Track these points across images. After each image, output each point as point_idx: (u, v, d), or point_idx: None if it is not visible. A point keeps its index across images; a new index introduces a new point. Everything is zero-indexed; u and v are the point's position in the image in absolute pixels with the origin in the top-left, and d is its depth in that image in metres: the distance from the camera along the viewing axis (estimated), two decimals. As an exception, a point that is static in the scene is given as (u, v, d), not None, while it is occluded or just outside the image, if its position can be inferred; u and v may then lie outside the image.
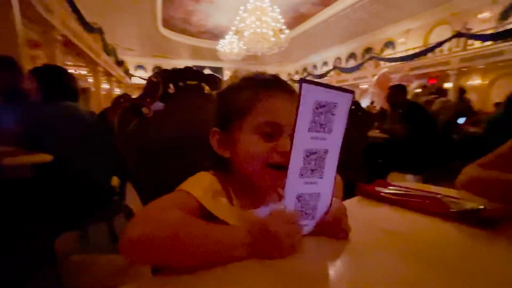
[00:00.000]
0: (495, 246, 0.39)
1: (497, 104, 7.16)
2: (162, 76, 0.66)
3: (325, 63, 17.97)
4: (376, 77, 3.02)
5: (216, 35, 13.52)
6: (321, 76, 16.60)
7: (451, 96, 7.00)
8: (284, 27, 10.36)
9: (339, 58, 16.75)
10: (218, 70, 20.20)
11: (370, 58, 12.73)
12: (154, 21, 11.75)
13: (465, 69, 9.28)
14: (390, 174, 2.37)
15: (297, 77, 20.17)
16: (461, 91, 4.41)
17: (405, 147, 2.33)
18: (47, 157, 0.98)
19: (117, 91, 11.88)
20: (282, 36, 10.54)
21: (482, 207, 0.46)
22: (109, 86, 11.04)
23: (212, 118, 0.48)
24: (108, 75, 10.68)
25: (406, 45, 11.76)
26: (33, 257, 0.96)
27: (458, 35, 8.75)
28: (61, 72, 1.33)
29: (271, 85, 0.45)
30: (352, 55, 15.68)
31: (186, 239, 0.31)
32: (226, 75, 20.55)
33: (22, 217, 0.96)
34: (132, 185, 0.64)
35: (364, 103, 13.39)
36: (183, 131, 0.67)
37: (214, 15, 12.17)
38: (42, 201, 1.02)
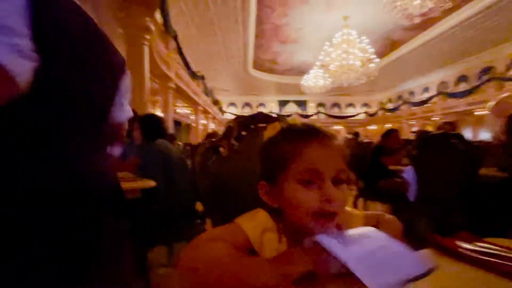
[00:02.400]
0: None
1: None
2: (237, 121, 0.80)
3: (425, 89, 15.88)
4: (491, 103, 2.46)
5: (301, 71, 14.15)
6: (421, 103, 14.65)
7: None
8: (373, 56, 9.93)
9: (444, 82, 14.53)
10: (302, 102, 20.73)
11: (489, 80, 10.46)
12: (245, 65, 13.40)
13: None
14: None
15: (390, 106, 18.43)
16: None
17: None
18: (151, 183, 1.28)
19: (212, 126, 13.83)
20: (371, 65, 10.08)
21: None
22: (206, 122, 13.01)
23: (258, 171, 0.53)
24: (206, 112, 12.66)
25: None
26: (131, 265, 1.21)
27: None
28: (158, 118, 1.78)
29: (306, 134, 0.47)
30: (462, 78, 13.34)
31: (221, 272, 0.37)
32: (310, 107, 20.79)
33: (127, 230, 1.25)
34: (206, 211, 0.77)
35: (484, 134, 10.84)
36: (251, 168, 0.77)
37: (299, 53, 12.89)
38: (143, 218, 1.30)
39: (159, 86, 7.35)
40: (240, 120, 0.81)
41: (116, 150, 1.60)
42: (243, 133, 0.80)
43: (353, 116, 20.11)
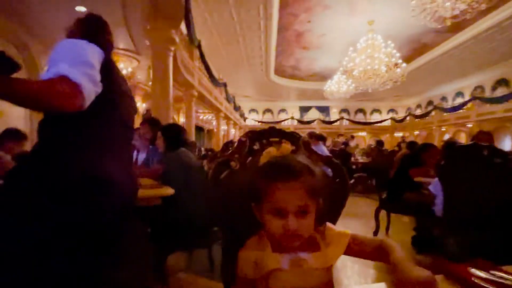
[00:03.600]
0: None
1: None
2: (249, 136, 0.83)
3: (459, 94, 14.97)
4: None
5: (323, 76, 13.98)
6: (454, 109, 13.80)
7: None
8: (400, 60, 9.55)
9: (480, 87, 13.60)
10: (325, 108, 20.39)
11: (532, 84, 9.62)
12: (267, 71, 13.51)
13: None
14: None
15: (418, 112, 17.55)
16: None
17: None
18: (170, 191, 1.33)
19: (232, 132, 14.02)
20: (398, 70, 9.70)
21: None
22: (227, 127, 13.24)
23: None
24: (227, 118, 12.89)
25: None
26: (149, 269, 1.27)
27: None
28: (179, 128, 1.85)
29: (275, 175, 0.57)
30: (501, 82, 12.40)
31: None
32: (333, 113, 20.36)
33: (147, 235, 1.31)
34: (214, 221, 0.80)
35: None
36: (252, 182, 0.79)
37: (321, 59, 12.76)
38: (163, 224, 1.36)
39: (182, 94, 7.64)
40: (252, 135, 0.83)
41: (141, 157, 1.68)
42: (255, 147, 0.83)
43: (379, 122, 19.38)
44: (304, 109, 20.34)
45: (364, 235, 0.63)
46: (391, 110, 20.49)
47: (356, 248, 0.61)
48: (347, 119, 19.61)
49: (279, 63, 12.99)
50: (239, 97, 15.74)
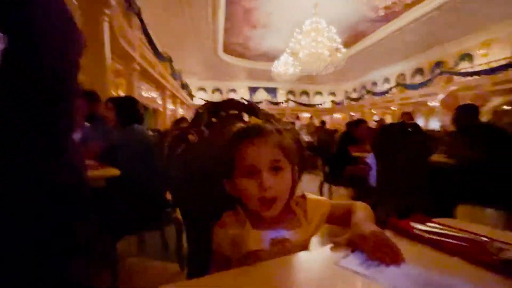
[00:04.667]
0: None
1: None
2: (207, 107, 0.77)
3: (386, 80, 16.88)
4: (441, 96, 2.70)
5: (271, 57, 14.09)
6: (382, 93, 15.59)
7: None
8: (340, 46, 10.20)
9: (402, 74, 15.56)
10: (273, 90, 20.83)
11: (441, 73, 11.44)
12: (215, 48, 12.95)
13: None
14: (459, 207, 2.05)
15: (354, 95, 19.31)
16: None
17: (481, 176, 2.00)
18: (115, 172, 1.19)
19: (181, 111, 13.29)
20: (339, 55, 10.37)
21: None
22: (174, 107, 12.44)
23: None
24: (174, 97, 12.08)
25: (488, 57, 10.24)
26: (98, 256, 1.14)
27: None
28: (134, 101, 1.62)
29: (243, 137, 0.57)
30: (418, 71, 14.40)
31: None
32: (280, 95, 20.98)
33: (93, 221, 1.17)
34: (173, 200, 0.74)
35: (435, 122, 11.94)
36: (220, 156, 0.75)
37: (269, 38, 12.78)
38: (109, 208, 1.22)
39: (122, 68, 6.80)
40: (210, 106, 0.77)
41: (76, 135, 1.46)
42: (214, 119, 0.78)
43: (321, 104, 20.79)
44: (253, 90, 20.41)
45: (338, 201, 0.64)
46: (331, 93, 22.10)
47: (334, 216, 0.61)
48: (293, 101, 20.46)
49: (228, 40, 12.55)
50: (186, 75, 14.79)
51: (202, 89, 19.53)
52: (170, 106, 11.72)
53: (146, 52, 7.46)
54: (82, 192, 0.85)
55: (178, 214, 1.51)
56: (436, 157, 2.20)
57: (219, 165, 0.62)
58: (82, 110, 1.78)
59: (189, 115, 10.42)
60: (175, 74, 10.89)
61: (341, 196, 3.60)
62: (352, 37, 12.48)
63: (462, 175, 2.10)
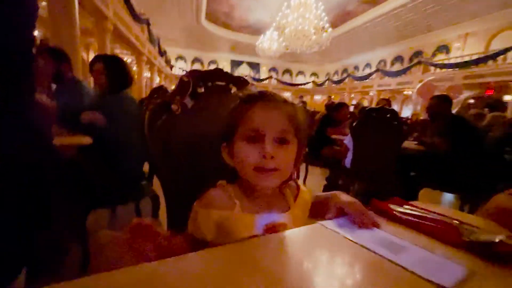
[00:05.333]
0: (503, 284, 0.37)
1: None
2: (192, 76, 0.71)
3: (367, 65, 17.13)
4: (418, 85, 2.81)
5: (256, 30, 13.58)
6: (362, 78, 15.87)
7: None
8: (327, 25, 10.05)
9: (383, 61, 15.85)
10: (256, 65, 20.34)
11: (419, 63, 11.81)
12: (198, 14, 12.16)
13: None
14: (423, 189, 2.22)
15: (336, 78, 19.49)
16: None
17: (444, 163, 2.16)
18: (87, 140, 1.10)
19: (157, 80, 12.60)
20: (324, 34, 10.24)
21: (498, 240, 0.43)
22: (150, 75, 11.73)
23: (216, 134, 0.57)
24: (151, 64, 11.34)
25: (463, 50, 10.70)
26: (66, 230, 1.08)
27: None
28: (124, 62, 1.45)
29: (253, 99, 0.52)
30: (398, 58, 14.73)
31: None
32: (263, 71, 20.58)
33: (61, 193, 1.09)
34: (156, 174, 0.70)
35: (407, 110, 12.53)
36: (208, 129, 0.71)
37: (256, 10, 12.22)
38: (81, 179, 1.15)
39: (93, 26, 6.16)
40: (197, 75, 0.72)
41: (41, 96, 1.32)
42: (199, 90, 0.73)
43: (303, 84, 20.77)
44: (236, 64, 19.76)
45: (318, 192, 0.62)
46: (314, 74, 22.10)
47: (316, 204, 0.60)
48: (275, 79, 20.22)
49: (211, 7, 11.79)
50: (164, 41, 13.83)
51: (181, 58, 18.53)
52: (146, 74, 11.03)
53: (121, 12, 6.79)
54: (46, 156, 0.78)
55: (155, 187, 1.46)
56: (407, 144, 2.33)
57: (212, 132, 0.59)
58: (46, 69, 1.58)
59: (167, 85, 9.91)
60: (153, 39, 10.14)
61: (317, 175, 3.74)
62: (339, 17, 12.32)
63: (429, 161, 2.25)
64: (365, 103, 16.28)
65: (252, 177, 0.49)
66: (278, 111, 0.50)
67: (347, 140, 2.28)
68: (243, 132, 0.50)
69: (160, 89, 1.64)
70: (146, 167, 1.52)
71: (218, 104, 0.75)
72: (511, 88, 8.50)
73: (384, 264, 0.38)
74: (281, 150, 0.49)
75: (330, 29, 10.22)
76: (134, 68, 10.02)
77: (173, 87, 0.74)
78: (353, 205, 0.51)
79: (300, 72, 22.07)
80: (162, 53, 12.63)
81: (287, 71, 21.72)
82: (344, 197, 0.56)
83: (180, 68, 16.16)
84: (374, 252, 0.41)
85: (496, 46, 9.35)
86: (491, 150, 2.55)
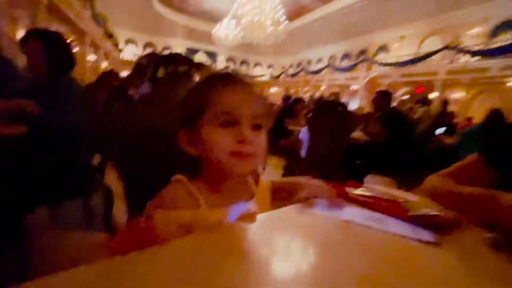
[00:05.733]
0: (441, 253, 0.41)
1: (468, 119, 7.56)
2: (151, 59, 0.66)
3: (319, 60, 17.98)
4: (365, 80, 3.10)
5: (213, 17, 13.14)
6: (315, 72, 16.65)
7: (436, 106, 7.30)
8: (283, 17, 10.24)
9: (333, 57, 16.81)
10: (213, 55, 19.77)
11: (364, 60, 12.88)
12: (149, -5, 11.25)
13: (451, 81, 9.63)
14: (368, 175, 2.47)
15: (291, 71, 20.10)
16: (444, 102, 4.61)
17: (383, 151, 2.44)
18: (22, 129, 0.94)
19: (104, 65, 11.37)
20: (280, 27, 10.43)
21: (435, 213, 0.51)
22: (95, 58, 10.52)
23: (177, 123, 0.50)
24: (96, 46, 10.16)
25: (400, 51, 11.98)
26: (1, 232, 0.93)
27: (447, 47, 9.03)
28: (65, 40, 1.22)
29: (222, 79, 0.48)
30: (346, 55, 15.77)
31: None
32: (221, 61, 20.13)
33: None
34: (113, 164, 0.65)
35: (354, 104, 13.65)
36: (167, 117, 0.67)
37: (212, -4, 11.81)
38: (19, 172, 0.99)
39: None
40: (157, 59, 0.67)
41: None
42: (159, 75, 0.68)
43: (260, 76, 20.95)
44: (192, 51, 18.88)
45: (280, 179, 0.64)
46: (270, 66, 22.43)
47: (278, 187, 0.60)
48: (232, 69, 19.99)
49: (163, -12, 10.99)
50: (112, 22, 12.43)
51: (132, 41, 16.98)
52: (91, 56, 9.84)
53: (55, -18, 5.87)
54: None
55: (107, 180, 1.34)
56: (353, 134, 2.56)
57: (171, 118, 0.52)
58: None
59: (117, 70, 9.00)
60: (97, 19, 9.05)
61: (274, 165, 3.86)
62: (292, 11, 12.63)
63: (372, 150, 2.50)
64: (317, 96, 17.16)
65: (228, 163, 0.44)
66: (250, 94, 0.47)
67: (302, 133, 2.40)
68: (212, 116, 0.45)
69: (110, 74, 1.49)
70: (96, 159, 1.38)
71: (180, 90, 0.71)
72: (436, 86, 9.87)
73: (374, 234, 0.44)
74: (257, 134, 0.46)
75: (286, 22, 10.45)
76: (76, 49, 8.83)
77: (123, 72, 0.68)
78: (325, 188, 0.57)
79: (257, 64, 22.20)
80: (109, 35, 11.37)
81: (245, 62, 21.63)
82: (314, 181, 0.60)
83: (131, 53, 14.80)
84: (364, 226, 0.47)
85: (425, 49, 10.72)
86: (420, 140, 2.95)
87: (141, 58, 0.65)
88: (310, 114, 2.44)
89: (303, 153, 2.48)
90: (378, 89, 2.90)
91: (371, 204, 0.58)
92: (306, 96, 13.48)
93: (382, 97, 2.57)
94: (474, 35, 9.43)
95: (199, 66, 0.76)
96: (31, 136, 0.97)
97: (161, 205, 0.44)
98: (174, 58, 0.71)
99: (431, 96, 9.13)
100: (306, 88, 18.04)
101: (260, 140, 0.46)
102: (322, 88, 16.34)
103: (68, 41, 1.22)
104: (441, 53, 9.38)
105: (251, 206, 0.49)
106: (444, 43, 9.41)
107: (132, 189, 0.66)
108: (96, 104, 1.41)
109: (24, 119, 0.93)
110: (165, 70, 0.70)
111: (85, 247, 1.07)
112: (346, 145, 2.35)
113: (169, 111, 0.69)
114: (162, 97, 0.69)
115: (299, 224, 0.47)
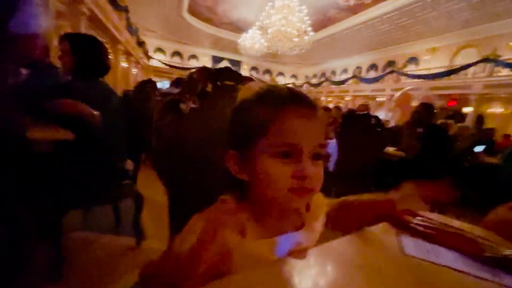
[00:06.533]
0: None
1: (506, 136, 6.89)
2: (202, 74, 0.66)
3: (344, 70, 17.73)
4: (397, 94, 2.97)
5: (239, 27, 13.46)
6: (339, 83, 16.41)
7: (469, 121, 6.85)
8: (309, 28, 10.25)
9: (359, 68, 16.50)
10: (237, 63, 20.18)
11: (391, 72, 12.49)
12: (180, 6, 11.77)
13: (488, 95, 9.03)
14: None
15: (314, 81, 19.96)
16: (480, 118, 4.30)
17: (418, 168, 2.29)
18: (69, 135, 0.98)
19: (134, 72, 11.97)
20: (306, 37, 10.43)
21: (519, 254, 0.44)
22: (127, 65, 11.11)
23: (227, 138, 0.45)
24: (128, 54, 10.75)
25: (430, 63, 11.50)
26: (39, 229, 0.97)
27: (486, 60, 8.50)
28: (100, 44, 1.24)
29: (287, 101, 0.40)
30: (373, 66, 15.42)
31: None
32: (244, 69, 20.47)
33: (35, 190, 0.97)
34: (158, 175, 0.64)
35: (380, 117, 13.20)
36: (215, 130, 0.67)
37: (240, 7, 12.11)
38: (57, 176, 1.03)
39: (66, 9, 5.65)
40: (206, 73, 0.67)
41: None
42: (209, 89, 0.68)
43: (282, 85, 21.01)
44: (216, 60, 19.42)
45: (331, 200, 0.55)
46: (293, 76, 22.44)
47: (333, 212, 0.53)
48: (256, 78, 20.23)
49: (194, 0, 11.48)
50: (143, 32, 13.17)
51: (160, 50, 17.82)
52: (123, 64, 10.41)
53: (98, -5, 6.34)
54: (17, 149, 0.69)
55: (139, 186, 1.36)
56: (388, 149, 2.43)
57: (219, 135, 0.47)
58: (15, 52, 1.40)
59: (145, 77, 9.44)
60: (131, 28, 9.63)
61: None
62: (318, 22, 12.61)
63: (406, 165, 2.36)
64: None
65: (284, 200, 0.39)
66: (317, 121, 0.40)
67: (330, 146, 2.33)
68: (274, 143, 0.38)
69: (149, 82, 1.53)
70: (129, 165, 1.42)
71: (227, 104, 0.71)
72: (470, 100, 9.30)
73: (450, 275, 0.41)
74: (316, 167, 0.40)
75: (312, 33, 10.44)
76: (110, 57, 9.39)
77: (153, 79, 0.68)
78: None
79: (280, 73, 22.30)
80: (140, 43, 12.04)
81: (268, 71, 21.83)
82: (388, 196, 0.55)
83: (159, 60, 15.48)
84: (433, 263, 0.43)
85: (458, 61, 10.18)
86: (458, 158, 2.76)
87: (193, 72, 0.65)
88: (340, 127, 2.37)
89: (330, 166, 2.40)
90: (410, 103, 2.76)
91: (438, 238, 0.52)
92: (329, 106, 13.27)
93: (425, 110, 2.43)
94: (514, 48, 8.83)
95: (246, 79, 0.75)
96: (78, 141, 1.01)
97: (207, 221, 0.38)
98: (224, 72, 0.71)
99: (465, 110, 8.62)
100: (330, 99, 17.79)
101: (320, 173, 0.41)
102: (346, 99, 16.02)
103: (104, 47, 1.25)
104: (480, 66, 8.86)
105: (301, 238, 0.44)
106: (480, 55, 8.89)
107: (176, 202, 0.65)
108: (135, 112, 1.46)
109: (77, 123, 0.97)
110: (214, 84, 0.69)
111: (112, 251, 1.09)
112: (377, 160, 2.25)
113: (218, 127, 0.68)
114: (209, 111, 0.68)
115: (356, 258, 0.42)
